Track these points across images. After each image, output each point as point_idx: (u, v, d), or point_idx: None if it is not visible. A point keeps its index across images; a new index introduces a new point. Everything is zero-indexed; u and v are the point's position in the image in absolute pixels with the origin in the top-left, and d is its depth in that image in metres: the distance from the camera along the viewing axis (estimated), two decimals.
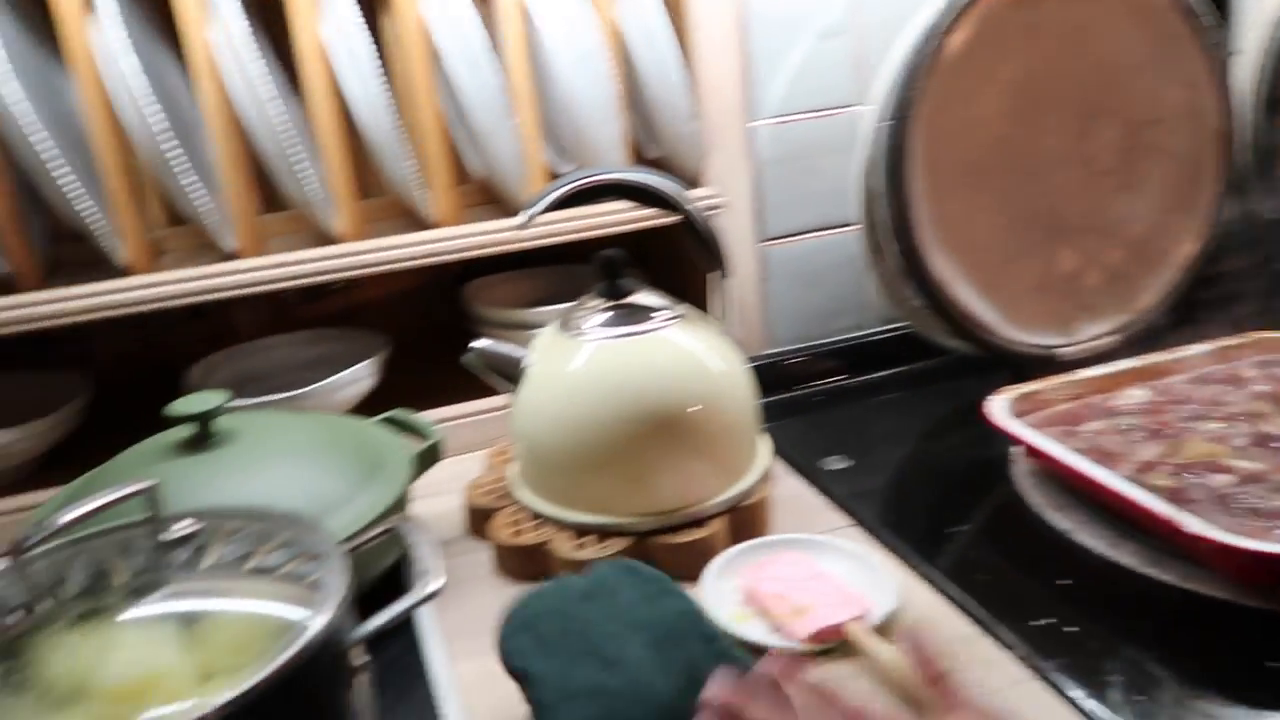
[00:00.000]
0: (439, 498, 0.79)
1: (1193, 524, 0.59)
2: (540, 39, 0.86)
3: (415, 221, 0.90)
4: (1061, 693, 0.54)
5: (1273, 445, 0.71)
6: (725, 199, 0.95)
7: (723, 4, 0.91)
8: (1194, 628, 0.60)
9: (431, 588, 0.47)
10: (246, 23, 0.76)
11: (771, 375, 0.96)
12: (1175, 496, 0.64)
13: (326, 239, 0.86)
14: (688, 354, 0.71)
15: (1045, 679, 0.55)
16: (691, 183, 0.94)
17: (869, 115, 0.84)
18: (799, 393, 0.98)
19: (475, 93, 0.84)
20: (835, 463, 0.83)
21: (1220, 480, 0.67)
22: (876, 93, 0.84)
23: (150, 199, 0.94)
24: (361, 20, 0.79)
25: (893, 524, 0.72)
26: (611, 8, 0.88)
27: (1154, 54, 0.89)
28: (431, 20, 0.83)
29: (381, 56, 0.84)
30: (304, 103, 0.83)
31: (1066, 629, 0.60)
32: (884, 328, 1.01)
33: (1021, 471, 0.78)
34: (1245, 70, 0.96)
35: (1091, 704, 0.53)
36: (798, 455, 0.83)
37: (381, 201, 0.97)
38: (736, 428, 0.72)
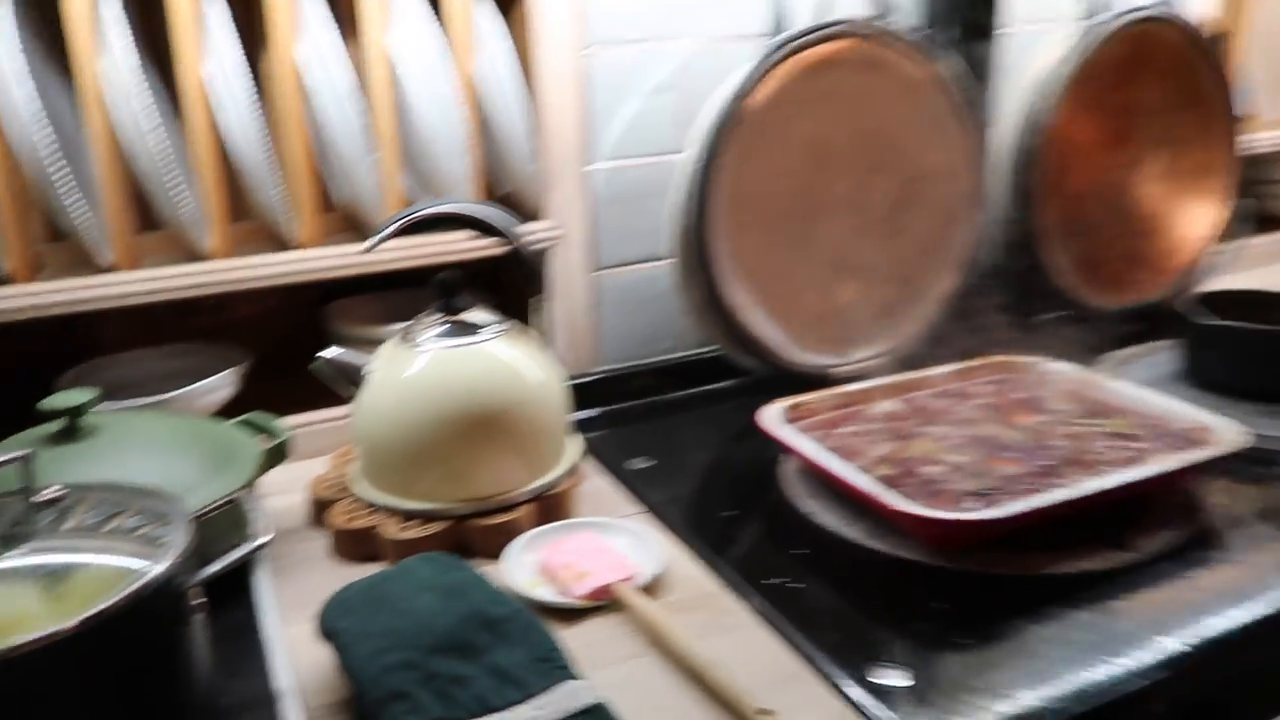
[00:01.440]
0: (289, 494, 0.90)
1: (895, 501, 0.75)
2: (402, 83, 0.98)
3: (282, 244, 1.01)
4: (779, 631, 0.69)
5: (980, 444, 0.88)
6: (563, 232, 1.08)
7: (566, 61, 1.04)
8: (892, 583, 0.76)
9: (260, 540, 0.59)
10: (136, 58, 0.86)
11: (600, 388, 1.10)
12: (891, 482, 0.80)
13: (199, 258, 0.96)
14: (506, 364, 0.84)
15: (771, 624, 0.70)
16: (533, 216, 1.08)
17: (683, 162, 0.99)
18: (622, 405, 1.11)
19: (341, 128, 0.95)
20: (640, 463, 0.96)
21: (932, 470, 0.83)
22: (690, 142, 1.00)
23: (32, 214, 1.02)
24: (241, 58, 0.90)
25: (675, 510, 0.86)
26: (468, 59, 1.01)
27: (920, 121, 1.07)
28: (304, 61, 0.95)
29: (259, 91, 0.95)
30: (184, 130, 0.94)
31: (792, 585, 0.75)
32: (697, 350, 1.15)
33: (788, 470, 0.93)
34: (1004, 133, 1.15)
35: (800, 638, 0.67)
36: (609, 456, 0.97)
37: (252, 225, 1.07)
38: (546, 429, 0.86)
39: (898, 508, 0.74)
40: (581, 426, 0.99)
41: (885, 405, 0.98)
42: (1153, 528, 0.80)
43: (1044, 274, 1.17)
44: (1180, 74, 1.19)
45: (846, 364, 1.06)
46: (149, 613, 0.54)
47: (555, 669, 0.60)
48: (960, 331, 1.09)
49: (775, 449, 0.94)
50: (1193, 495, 0.85)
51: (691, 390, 1.14)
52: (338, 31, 0.94)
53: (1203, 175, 1.25)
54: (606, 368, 1.13)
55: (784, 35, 0.96)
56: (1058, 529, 0.77)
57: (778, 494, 0.89)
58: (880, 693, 0.62)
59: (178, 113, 0.95)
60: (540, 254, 1.06)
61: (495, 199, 1.06)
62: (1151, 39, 1.16)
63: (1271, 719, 0.69)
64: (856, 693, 0.62)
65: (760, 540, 0.83)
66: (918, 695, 0.62)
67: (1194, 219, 1.26)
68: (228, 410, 0.96)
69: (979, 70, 1.12)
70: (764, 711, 0.59)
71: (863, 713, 0.60)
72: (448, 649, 0.60)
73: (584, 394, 1.07)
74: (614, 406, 1.10)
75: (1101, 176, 1.20)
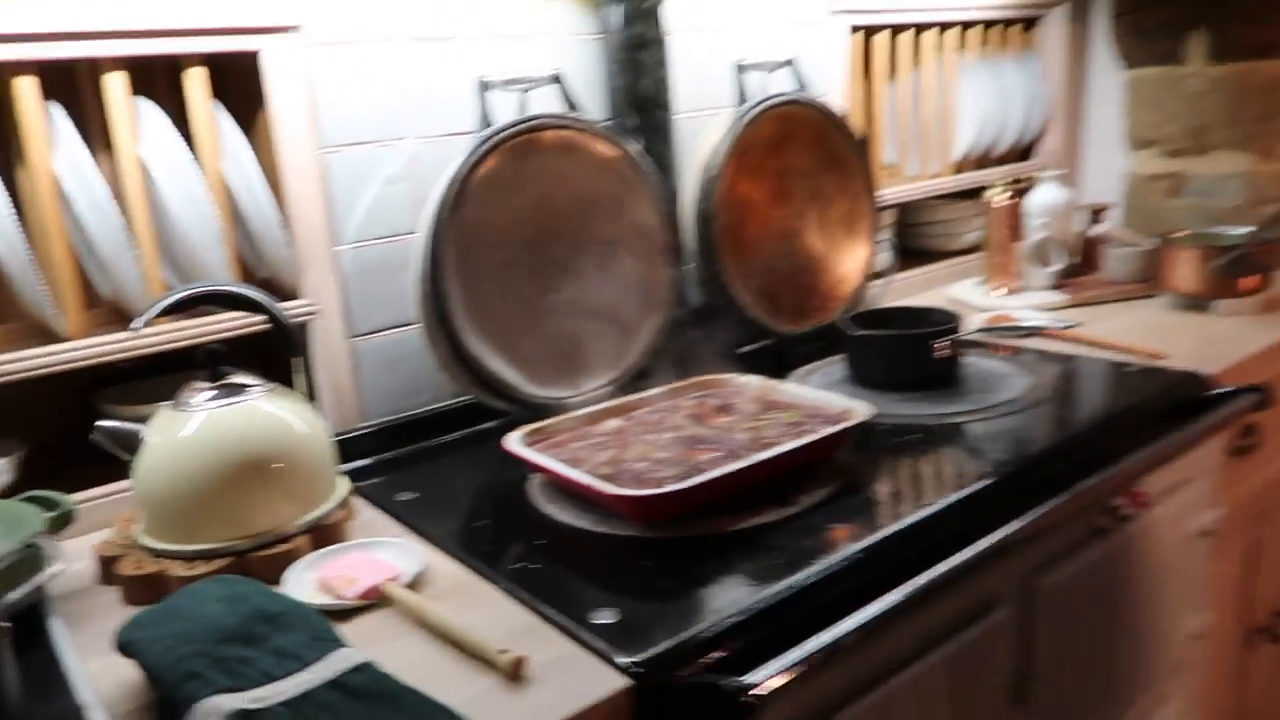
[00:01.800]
0: (79, 562, 0.97)
1: (606, 488, 0.94)
2: (156, 186, 1.10)
3: (52, 338, 1.09)
4: (520, 600, 0.85)
5: (682, 442, 1.09)
6: (319, 306, 1.22)
7: (307, 160, 1.20)
8: (611, 554, 0.94)
9: (52, 570, 0.70)
10: None
11: (369, 440, 1.24)
12: (609, 478, 0.99)
13: None
14: (272, 417, 0.97)
15: (514, 597, 0.86)
16: (292, 295, 1.21)
17: (418, 238, 1.17)
18: (391, 453, 1.25)
19: (100, 230, 1.06)
20: (406, 496, 1.11)
21: (641, 466, 1.03)
22: (422, 221, 1.17)
23: None
24: None
25: (436, 526, 1.01)
26: (216, 161, 1.14)
27: (616, 190, 1.29)
28: (60, 173, 1.05)
29: (17, 202, 1.04)
30: None
31: (532, 567, 0.92)
32: (454, 400, 1.31)
33: (534, 485, 1.10)
34: (687, 198, 1.40)
35: (536, 602, 0.84)
36: (379, 494, 1.11)
37: (21, 324, 1.14)
38: (313, 471, 0.99)
39: (607, 492, 0.93)
40: (356, 473, 1.13)
41: (611, 423, 1.18)
42: (811, 488, 1.03)
43: (736, 308, 1.42)
44: (820, 143, 1.50)
45: (579, 394, 1.25)
46: None
47: (328, 643, 0.74)
48: (672, 358, 1.31)
49: (523, 471, 1.12)
50: (841, 461, 1.09)
51: (453, 435, 1.29)
52: (86, 145, 1.05)
53: (850, 223, 1.56)
54: (372, 422, 1.27)
55: (490, 129, 1.17)
56: (741, 497, 0.99)
57: (524, 504, 1.06)
58: (595, 629, 0.79)
59: None
60: (300, 326, 1.20)
61: (256, 283, 1.18)
62: (794, 117, 1.46)
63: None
64: (578, 630, 0.79)
65: (507, 538, 1.00)
66: (624, 626, 0.80)
67: (849, 258, 1.57)
68: (6, 496, 1.03)
69: (660, 148, 1.37)
70: (504, 651, 0.75)
71: (582, 643, 0.78)
72: (234, 639, 0.72)
73: (354, 445, 1.21)
74: (384, 455, 1.24)
75: (771, 227, 1.48)
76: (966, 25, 1.89)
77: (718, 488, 0.95)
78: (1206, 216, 1.91)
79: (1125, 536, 1.14)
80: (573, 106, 1.25)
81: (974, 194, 1.93)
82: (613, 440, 1.13)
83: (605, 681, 0.73)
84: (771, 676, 0.72)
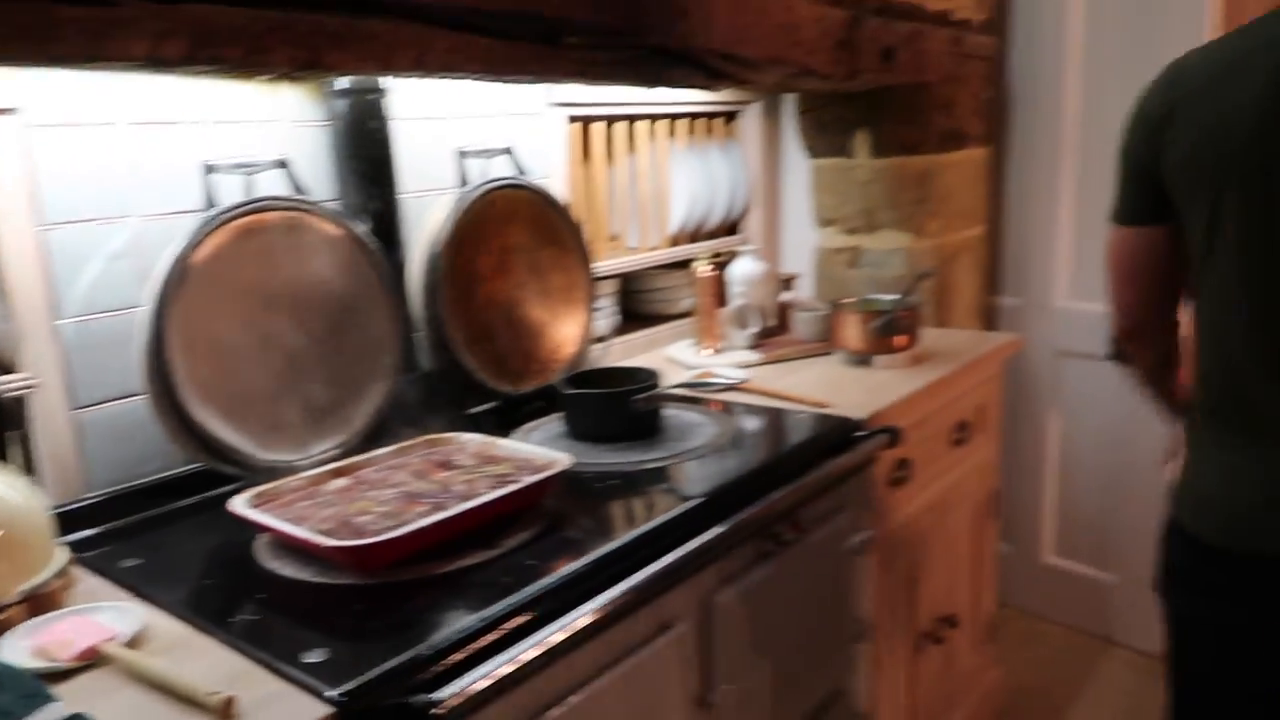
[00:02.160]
0: None
1: (321, 540, 1.03)
2: None
3: None
4: (238, 649, 0.93)
5: (403, 497, 1.19)
6: (38, 379, 1.24)
7: (26, 237, 1.22)
8: (328, 601, 1.03)
9: None
10: None
11: (95, 510, 1.26)
12: (329, 533, 1.08)
13: None
14: None
15: (233, 647, 0.93)
16: (8, 369, 1.22)
17: (143, 312, 1.22)
18: (120, 522, 1.27)
19: None
20: (131, 562, 1.15)
21: (362, 520, 1.13)
22: (147, 295, 1.22)
23: None
24: None
25: (158, 588, 1.06)
26: None
27: (342, 266, 1.40)
28: None
29: None
30: None
31: (250, 618, 0.99)
32: (185, 467, 1.35)
33: (260, 544, 1.17)
34: (414, 271, 1.52)
35: (250, 648, 0.92)
36: (101, 561, 1.14)
37: None
38: (27, 542, 1.02)
39: (321, 545, 1.03)
40: (80, 543, 1.16)
41: (338, 482, 1.27)
42: (517, 531, 1.17)
43: (464, 371, 1.55)
44: (538, 221, 1.67)
45: (308, 458, 1.33)
46: None
47: (40, 699, 0.79)
48: (403, 419, 1.42)
49: (251, 533, 1.18)
50: (547, 506, 1.24)
51: (185, 501, 1.33)
52: None
53: (568, 292, 1.74)
54: (97, 492, 1.29)
55: (215, 210, 1.25)
56: (451, 543, 1.11)
57: (250, 562, 1.13)
58: (305, 667, 0.89)
59: None
60: (16, 400, 1.21)
61: None
62: (512, 198, 1.62)
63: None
64: (289, 670, 0.88)
65: (230, 595, 1.07)
66: (332, 663, 0.89)
67: (568, 324, 1.74)
68: None
69: (387, 227, 1.49)
70: (213, 693, 0.83)
71: (292, 680, 0.87)
72: None
73: (77, 516, 1.23)
74: (111, 524, 1.26)
75: (495, 297, 1.63)
76: (675, 117, 2.15)
77: (424, 536, 1.07)
78: (878, 285, 2.25)
79: (788, 557, 1.36)
80: (299, 189, 1.35)
81: (688, 264, 2.17)
82: (338, 498, 1.22)
83: (311, 711, 0.83)
84: (455, 693, 0.85)
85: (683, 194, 2.16)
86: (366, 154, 1.46)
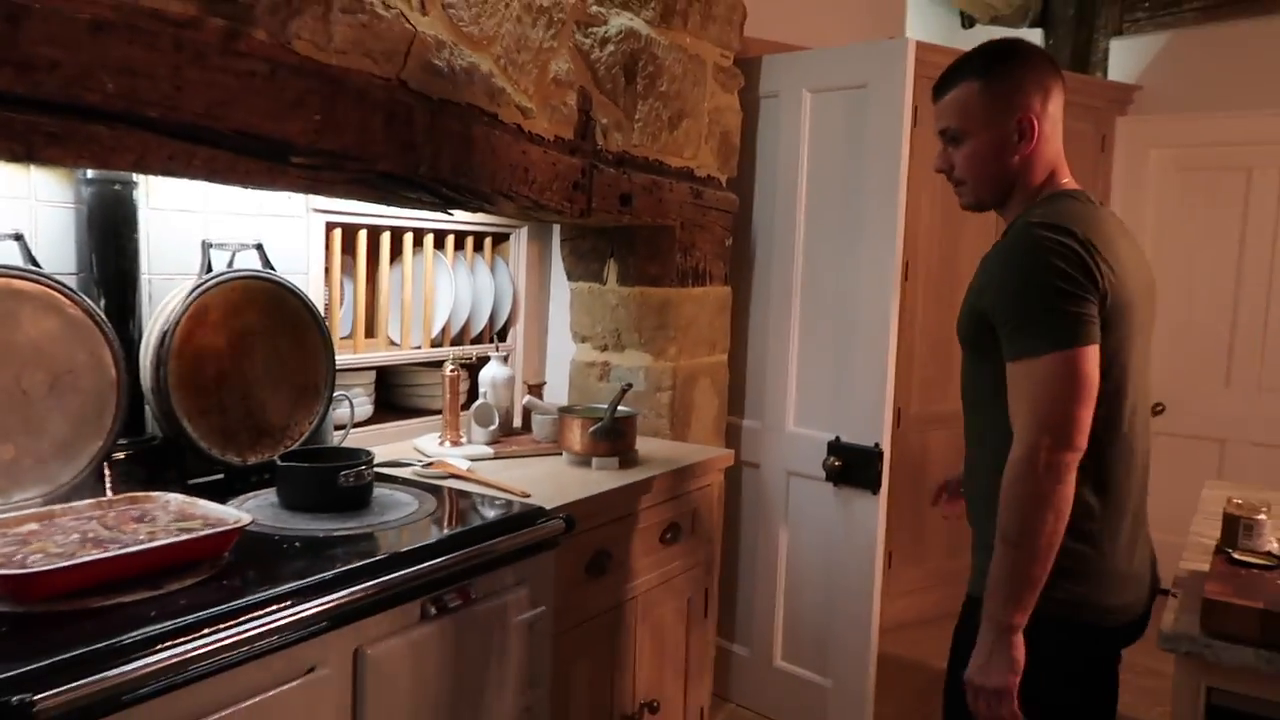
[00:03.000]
0: None
1: None
2: None
3: None
4: None
5: (84, 542, 1.32)
6: None
7: None
8: (41, 632, 1.14)
9: None
10: None
11: None
12: (6, 561, 1.20)
13: None
14: None
15: None
16: None
17: None
18: None
19: None
20: None
21: (36, 558, 1.25)
22: None
23: None
24: None
25: None
26: None
27: (71, 334, 1.54)
28: None
29: None
30: None
31: None
32: None
33: None
34: (149, 344, 1.67)
35: None
36: None
37: None
38: None
39: None
40: None
41: (30, 526, 1.38)
42: (187, 577, 1.31)
43: (189, 440, 1.69)
44: (279, 311, 1.85)
45: (9, 502, 1.44)
46: None
47: None
48: (121, 477, 1.54)
49: None
50: (227, 560, 1.38)
51: None
52: None
53: (305, 377, 1.91)
54: None
55: None
56: (117, 583, 1.24)
57: None
58: None
59: None
60: None
61: None
62: (254, 288, 1.80)
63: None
64: None
65: None
66: None
67: (302, 407, 1.91)
68: None
69: (124, 302, 1.65)
70: None
71: None
72: None
73: None
74: None
75: (229, 376, 1.78)
76: (442, 233, 2.39)
77: (78, 574, 1.21)
78: (628, 398, 2.51)
79: (453, 622, 1.53)
80: (33, 261, 1.49)
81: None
82: (24, 538, 1.33)
83: None
84: (53, 693, 0.98)
85: (446, 301, 2.39)
86: (108, 237, 1.62)
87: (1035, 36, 4.27)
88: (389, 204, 1.79)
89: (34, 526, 1.38)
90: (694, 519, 2.30)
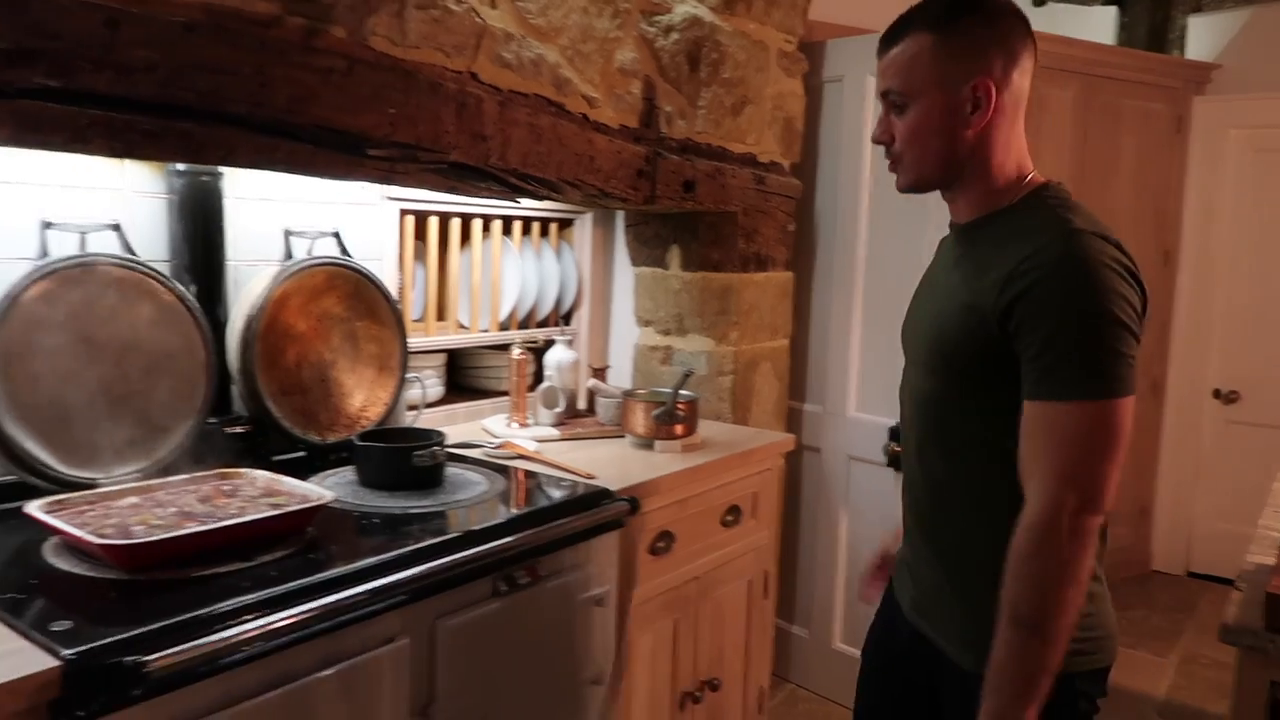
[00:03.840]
0: None
1: (90, 538, 1.24)
2: None
3: None
4: (28, 635, 1.12)
5: (180, 515, 1.40)
6: None
7: None
8: (92, 589, 1.23)
9: None
10: None
11: None
12: (107, 537, 1.28)
13: None
14: None
15: (26, 635, 1.12)
16: None
17: None
18: None
19: None
20: None
21: (138, 529, 1.33)
22: None
23: None
24: None
25: None
26: None
27: (163, 318, 1.62)
28: None
29: None
30: None
31: (19, 596, 1.19)
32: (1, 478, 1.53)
33: (50, 544, 1.36)
34: (234, 329, 1.75)
35: (11, 618, 1.11)
36: None
37: None
38: None
39: (90, 542, 1.24)
40: None
41: (130, 499, 1.47)
42: (276, 550, 1.38)
43: (272, 419, 1.78)
44: (357, 297, 1.93)
45: (110, 477, 1.53)
46: None
47: None
48: (209, 454, 1.63)
49: (45, 534, 1.37)
50: (310, 534, 1.46)
51: None
52: None
53: (381, 361, 1.98)
54: None
55: (47, 260, 1.47)
56: (213, 554, 1.32)
57: (35, 557, 1.33)
58: (50, 633, 1.08)
59: None
60: None
61: None
62: (333, 274, 1.88)
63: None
64: (35, 634, 1.08)
65: (8, 580, 1.25)
66: (74, 633, 1.09)
67: (377, 388, 1.98)
68: None
69: (212, 288, 1.73)
70: None
71: (36, 641, 1.07)
72: None
73: None
74: None
75: (309, 359, 1.86)
76: (510, 219, 2.44)
77: (179, 545, 1.29)
78: (690, 382, 2.55)
79: (522, 599, 1.59)
80: (129, 250, 1.58)
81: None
82: (127, 511, 1.42)
83: (41, 662, 1.03)
84: (161, 656, 1.06)
85: (514, 286, 2.45)
86: (197, 226, 1.71)
87: (1110, 15, 4.17)
88: (460, 193, 1.85)
89: (135, 500, 1.47)
90: (755, 502, 2.33)
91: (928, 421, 1.31)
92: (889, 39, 1.27)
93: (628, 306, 2.73)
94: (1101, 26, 4.19)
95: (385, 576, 1.35)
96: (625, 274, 2.73)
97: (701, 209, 2.41)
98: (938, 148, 1.25)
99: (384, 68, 1.57)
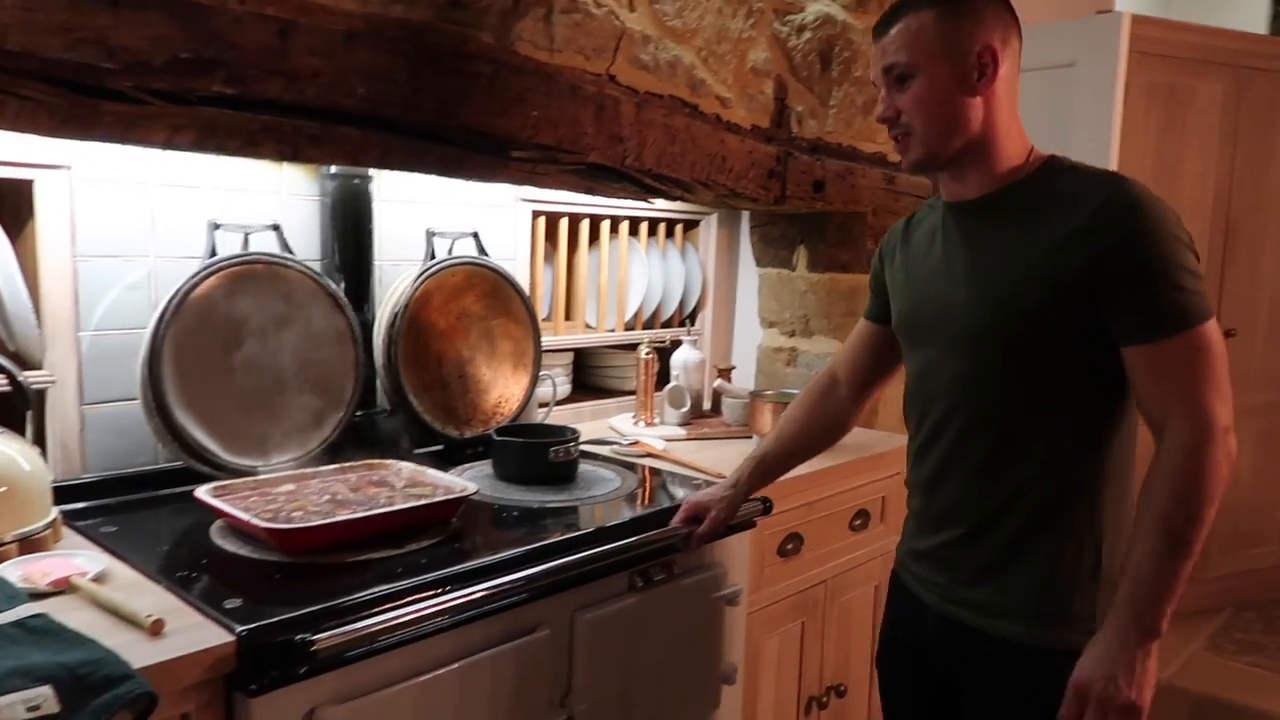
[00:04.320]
0: None
1: (254, 521, 1.30)
2: None
3: None
4: (177, 594, 1.19)
5: (333, 503, 1.46)
6: (57, 377, 1.54)
7: (63, 264, 1.53)
8: (256, 569, 1.29)
9: None
10: None
11: (91, 487, 1.54)
12: (267, 520, 1.35)
13: None
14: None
15: (174, 592, 1.20)
16: (35, 366, 1.52)
17: (146, 333, 1.52)
18: (111, 499, 1.55)
19: None
20: (109, 528, 1.42)
21: (296, 514, 1.40)
22: (151, 321, 1.52)
23: None
24: None
25: (125, 546, 1.33)
26: None
27: (316, 315, 1.70)
28: None
29: None
30: None
31: (191, 575, 1.26)
32: (168, 464, 1.63)
33: (216, 526, 1.44)
34: (380, 326, 1.82)
35: (184, 593, 1.18)
36: (87, 525, 1.42)
37: None
38: (28, 498, 1.29)
39: (252, 524, 1.30)
40: (76, 511, 1.44)
41: (286, 486, 1.54)
42: (423, 539, 1.43)
43: (414, 413, 1.84)
44: (493, 295, 1.97)
45: (268, 465, 1.61)
46: None
47: (17, 599, 1.06)
48: (355, 445, 1.70)
49: (211, 517, 1.45)
50: (454, 524, 1.50)
51: (165, 491, 1.60)
52: None
53: (516, 358, 2.03)
54: (92, 474, 1.57)
55: (214, 258, 1.56)
56: (365, 541, 1.37)
57: (203, 538, 1.40)
58: (223, 610, 1.15)
59: None
60: (39, 392, 1.51)
61: (6, 354, 1.49)
62: (471, 273, 1.93)
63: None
64: (210, 610, 1.14)
65: (179, 558, 1.34)
66: (244, 610, 1.15)
67: (512, 384, 2.03)
68: None
69: (360, 286, 1.80)
70: (149, 616, 1.09)
71: (211, 617, 1.13)
72: None
73: (75, 489, 1.51)
74: (101, 500, 1.54)
75: (448, 354, 1.92)
76: (637, 220, 2.46)
77: (335, 531, 1.34)
78: None
79: (656, 594, 1.60)
80: (287, 249, 1.66)
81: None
82: (284, 497, 1.49)
83: (218, 637, 1.09)
84: (328, 636, 1.10)
85: (640, 286, 2.47)
86: (348, 226, 1.78)
87: (1262, 2, 3.94)
88: (596, 194, 1.87)
89: (290, 487, 1.54)
90: (883, 506, 2.29)
91: (977, 400, 1.29)
92: (887, 21, 1.28)
93: (752, 307, 2.72)
94: (1253, 15, 3.96)
95: (527, 568, 1.38)
96: (750, 275, 2.72)
97: (830, 209, 2.38)
98: (948, 117, 1.25)
99: (528, 71, 1.61)
